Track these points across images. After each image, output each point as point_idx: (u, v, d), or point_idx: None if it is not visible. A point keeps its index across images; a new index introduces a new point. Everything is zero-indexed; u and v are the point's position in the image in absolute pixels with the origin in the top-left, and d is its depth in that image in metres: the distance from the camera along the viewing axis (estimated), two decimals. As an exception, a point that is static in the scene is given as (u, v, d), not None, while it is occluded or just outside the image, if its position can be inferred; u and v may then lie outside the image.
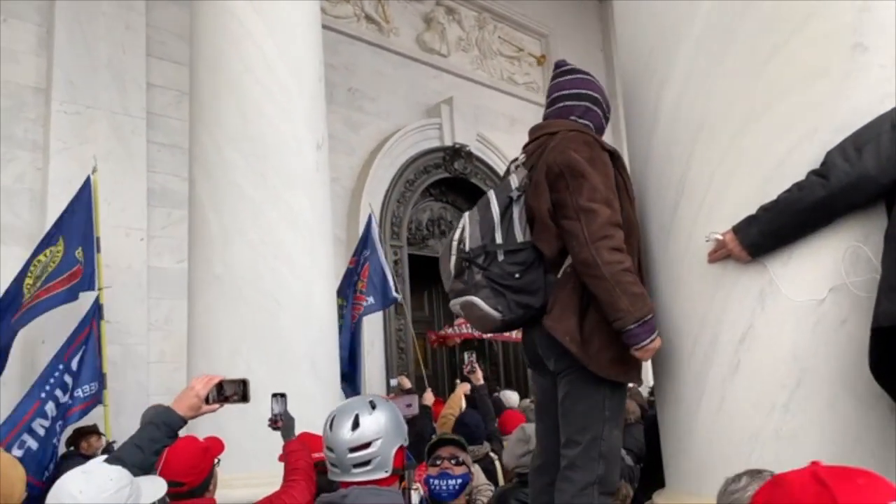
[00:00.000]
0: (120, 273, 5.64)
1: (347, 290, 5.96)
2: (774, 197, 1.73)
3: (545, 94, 2.33)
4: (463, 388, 5.01)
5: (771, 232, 1.72)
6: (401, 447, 1.70)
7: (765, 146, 1.81)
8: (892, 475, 1.32)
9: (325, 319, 3.89)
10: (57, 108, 5.54)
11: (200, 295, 3.76)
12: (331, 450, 1.67)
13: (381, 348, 7.48)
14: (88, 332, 4.88)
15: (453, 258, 2.02)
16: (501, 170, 5.85)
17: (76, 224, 4.90)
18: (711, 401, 1.85)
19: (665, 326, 1.96)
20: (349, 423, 1.64)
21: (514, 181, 2.02)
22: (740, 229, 1.77)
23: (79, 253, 4.82)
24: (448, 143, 8.43)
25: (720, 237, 1.81)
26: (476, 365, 4.99)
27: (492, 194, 2.04)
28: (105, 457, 1.77)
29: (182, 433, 1.98)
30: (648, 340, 1.88)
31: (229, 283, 3.63)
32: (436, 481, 2.62)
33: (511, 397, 6.26)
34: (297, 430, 2.50)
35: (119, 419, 5.16)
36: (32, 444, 4.39)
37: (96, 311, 4.96)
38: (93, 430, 4.76)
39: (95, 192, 5.01)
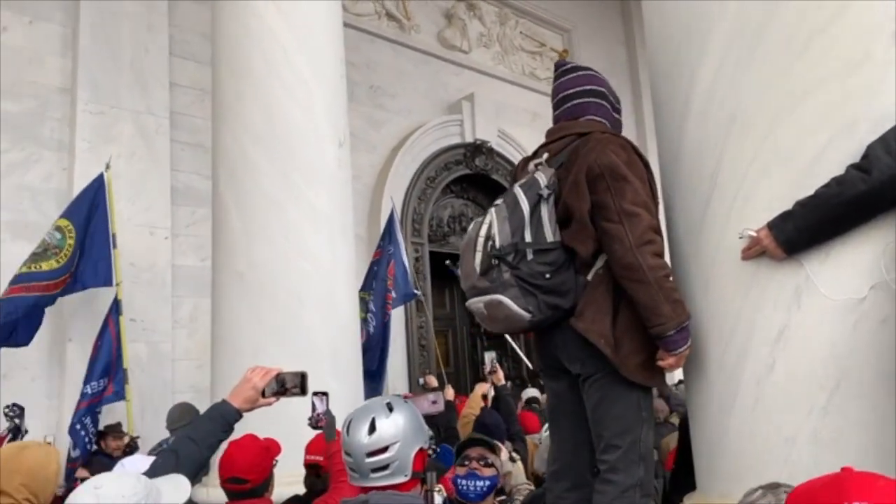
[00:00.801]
0: (144, 271, 5.69)
1: (374, 283, 5.95)
2: (811, 192, 1.67)
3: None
4: (481, 388, 4.97)
5: (808, 228, 1.67)
6: (421, 450, 1.64)
7: (800, 139, 1.75)
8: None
9: (346, 317, 3.87)
10: (82, 108, 5.59)
11: (224, 293, 3.76)
12: (349, 454, 1.61)
13: (402, 346, 7.46)
14: (104, 329, 4.93)
15: (479, 255, 1.94)
16: (523, 166, 5.79)
17: (83, 221, 4.90)
18: (745, 402, 1.80)
19: (695, 324, 1.91)
20: (365, 428, 1.59)
21: (543, 179, 1.96)
22: (775, 225, 1.71)
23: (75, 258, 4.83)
24: (469, 139, 8.37)
25: (754, 234, 1.75)
26: (497, 365, 4.96)
27: (518, 191, 1.97)
28: (138, 455, 1.72)
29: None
30: (685, 347, 1.87)
31: (253, 281, 3.63)
32: (463, 481, 2.59)
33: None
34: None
35: (145, 416, 5.21)
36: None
37: (115, 307, 5.00)
38: (115, 429, 4.80)
39: (110, 190, 5.05)
